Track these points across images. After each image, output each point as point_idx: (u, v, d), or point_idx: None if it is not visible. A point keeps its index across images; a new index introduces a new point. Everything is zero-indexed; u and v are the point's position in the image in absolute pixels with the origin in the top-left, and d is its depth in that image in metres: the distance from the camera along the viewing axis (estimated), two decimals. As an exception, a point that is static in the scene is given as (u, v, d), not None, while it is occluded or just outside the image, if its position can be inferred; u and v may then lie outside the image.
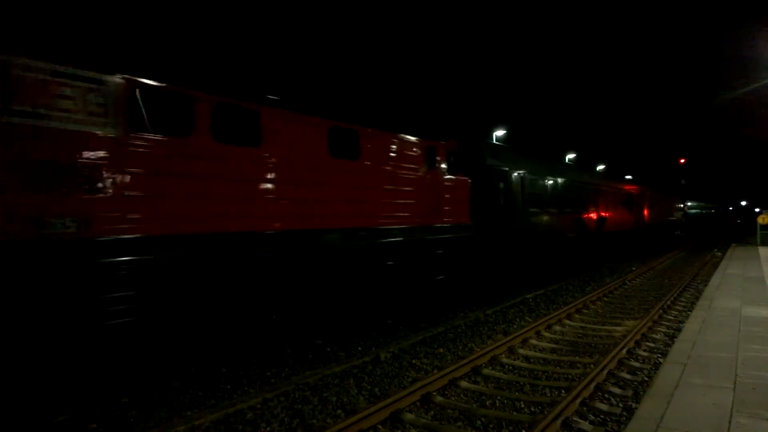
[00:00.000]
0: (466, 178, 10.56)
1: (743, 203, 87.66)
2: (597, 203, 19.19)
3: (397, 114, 9.44)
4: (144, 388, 5.35)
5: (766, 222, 23.55)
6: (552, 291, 12.02)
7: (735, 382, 4.66)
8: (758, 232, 23.69)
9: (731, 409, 4.03)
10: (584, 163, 35.47)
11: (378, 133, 8.36)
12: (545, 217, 14.60)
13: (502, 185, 12.14)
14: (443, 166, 9.79)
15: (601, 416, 4.65)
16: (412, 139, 9.10)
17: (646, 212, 26.67)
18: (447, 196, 9.85)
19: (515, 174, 12.89)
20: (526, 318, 9.06)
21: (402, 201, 8.73)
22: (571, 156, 36.79)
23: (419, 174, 9.17)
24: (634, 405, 4.78)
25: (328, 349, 7.00)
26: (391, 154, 8.59)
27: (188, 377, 5.78)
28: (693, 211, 51.19)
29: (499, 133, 32.23)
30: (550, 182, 15.18)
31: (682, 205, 41.61)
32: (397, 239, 8.57)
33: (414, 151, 9.09)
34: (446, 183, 9.86)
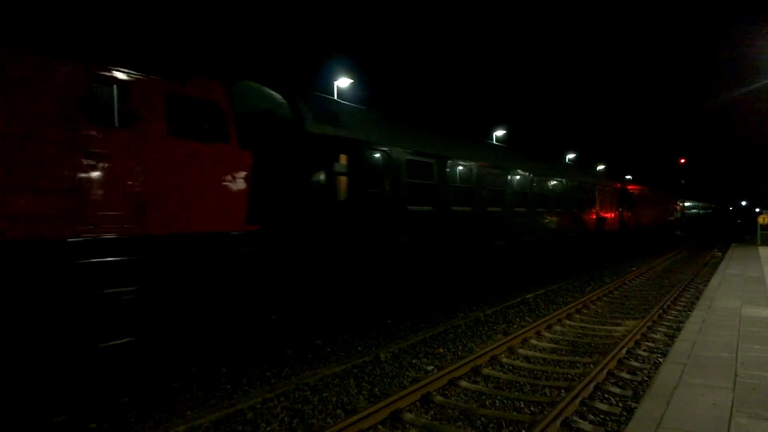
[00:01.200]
0: (245, 150, 6.13)
1: (743, 203, 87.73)
2: (551, 201, 14.89)
3: None
4: (144, 388, 5.35)
5: (766, 222, 23.55)
6: (552, 291, 12.02)
7: (735, 382, 4.66)
8: (758, 232, 23.68)
9: (731, 409, 4.03)
10: (584, 163, 35.36)
11: None
12: (445, 220, 9.94)
13: (342, 168, 7.59)
14: (162, 125, 5.32)
15: (601, 416, 4.65)
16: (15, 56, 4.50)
17: (630, 214, 22.93)
18: (169, 180, 5.34)
19: (379, 151, 8.36)
20: (526, 318, 9.06)
21: None
22: (571, 156, 36.80)
23: (45, 136, 4.56)
24: (633, 405, 4.78)
25: (328, 349, 7.00)
26: None
27: (188, 377, 5.78)
28: (692, 211, 51.04)
29: (499, 133, 32.31)
30: (460, 168, 10.53)
31: (679, 206, 40.18)
32: None
33: (27, 85, 4.54)
34: (172, 158, 5.38)
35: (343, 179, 7.70)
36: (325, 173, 7.38)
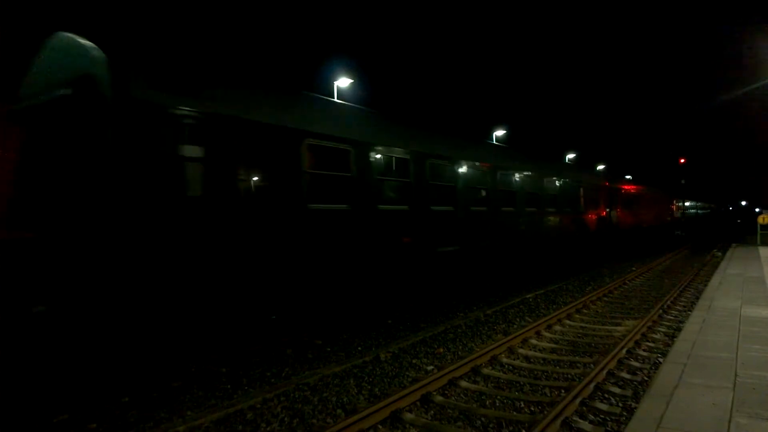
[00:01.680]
0: (15, 124, 4.74)
1: (743, 203, 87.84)
2: (520, 200, 12.93)
3: None
4: (144, 388, 5.35)
5: (766, 222, 23.54)
6: (552, 291, 12.02)
7: (735, 382, 4.66)
8: (758, 232, 23.68)
9: (731, 409, 4.03)
10: (584, 163, 35.24)
11: None
12: (368, 221, 8.10)
13: (196, 153, 5.67)
14: None
15: (601, 416, 4.65)
16: None
17: (620, 214, 21.44)
18: None
19: (264, 131, 6.46)
20: (526, 318, 9.06)
21: None
22: (571, 156, 36.73)
23: None
24: (633, 405, 4.78)
25: (328, 349, 7.00)
26: None
27: (188, 377, 5.78)
28: (691, 211, 50.98)
29: (499, 133, 32.28)
30: (391, 158, 8.76)
31: (675, 205, 39.34)
32: None
33: None
34: None
35: (197, 168, 5.67)
36: (166, 159, 5.39)
